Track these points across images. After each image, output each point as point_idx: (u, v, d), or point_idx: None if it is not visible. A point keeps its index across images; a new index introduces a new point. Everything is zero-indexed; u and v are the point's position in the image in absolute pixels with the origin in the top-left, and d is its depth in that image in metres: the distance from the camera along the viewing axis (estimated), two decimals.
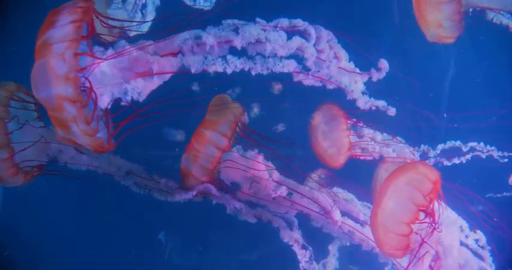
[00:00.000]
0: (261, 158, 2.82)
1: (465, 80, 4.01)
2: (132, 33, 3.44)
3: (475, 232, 3.04)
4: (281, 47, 2.40)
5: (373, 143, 3.11)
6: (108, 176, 3.31)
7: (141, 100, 2.29)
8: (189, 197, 2.82)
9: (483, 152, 3.21)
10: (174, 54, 2.32)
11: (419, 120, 3.65)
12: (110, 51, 2.20)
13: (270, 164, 2.92)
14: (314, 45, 2.55)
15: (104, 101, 2.19)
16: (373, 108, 2.96)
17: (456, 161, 3.18)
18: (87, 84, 2.07)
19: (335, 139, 3.01)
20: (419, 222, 2.34)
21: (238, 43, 2.36)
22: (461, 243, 2.94)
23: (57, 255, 4.06)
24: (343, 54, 2.73)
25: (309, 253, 3.13)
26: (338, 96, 2.93)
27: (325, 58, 2.60)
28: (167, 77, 2.37)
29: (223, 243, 4.20)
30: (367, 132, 3.17)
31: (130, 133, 3.42)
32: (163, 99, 2.50)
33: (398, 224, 2.28)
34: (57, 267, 4.13)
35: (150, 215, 4.10)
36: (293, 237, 3.05)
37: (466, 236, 2.99)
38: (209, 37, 2.30)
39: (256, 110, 2.78)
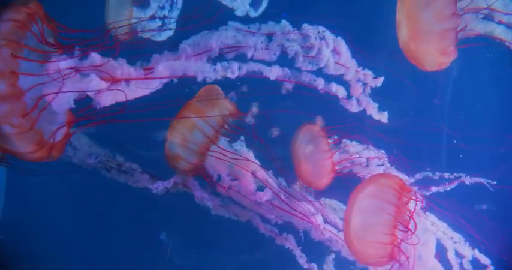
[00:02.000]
0: (250, 156, 2.78)
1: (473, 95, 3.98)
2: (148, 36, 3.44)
3: (473, 249, 3.03)
4: (261, 51, 2.34)
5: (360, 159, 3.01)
6: (110, 177, 3.32)
7: (99, 107, 2.15)
8: (158, 187, 2.79)
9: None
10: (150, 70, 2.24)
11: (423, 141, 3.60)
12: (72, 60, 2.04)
13: (257, 161, 2.89)
14: (303, 43, 2.49)
15: (61, 104, 2.01)
16: (374, 115, 2.87)
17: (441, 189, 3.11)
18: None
19: (317, 164, 2.91)
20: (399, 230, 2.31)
21: (215, 46, 2.31)
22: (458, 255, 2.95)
23: (58, 255, 4.07)
24: (343, 49, 2.64)
25: (291, 237, 3.10)
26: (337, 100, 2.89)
27: (315, 54, 2.53)
28: (142, 92, 2.25)
29: (224, 244, 4.20)
30: (354, 149, 3.06)
31: (132, 134, 3.44)
32: (164, 101, 2.49)
33: (375, 234, 2.27)
34: (58, 268, 4.13)
35: (151, 215, 4.11)
36: (267, 228, 3.03)
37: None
38: (186, 47, 2.25)
39: (255, 109, 2.75)
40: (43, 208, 4.07)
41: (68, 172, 3.22)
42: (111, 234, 4.12)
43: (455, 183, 3.02)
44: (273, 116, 3.05)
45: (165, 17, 3.48)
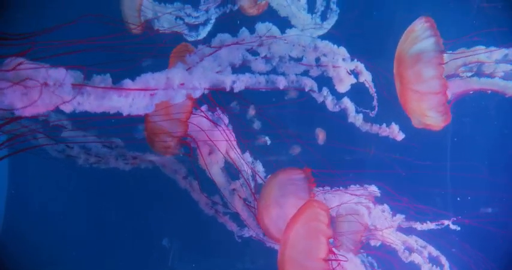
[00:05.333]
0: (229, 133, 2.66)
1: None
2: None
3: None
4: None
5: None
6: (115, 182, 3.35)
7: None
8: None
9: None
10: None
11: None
12: None
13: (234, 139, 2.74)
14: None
15: None
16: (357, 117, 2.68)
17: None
18: None
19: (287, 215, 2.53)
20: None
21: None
22: None
23: (59, 258, 4.09)
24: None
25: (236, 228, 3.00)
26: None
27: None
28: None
29: (226, 251, 4.18)
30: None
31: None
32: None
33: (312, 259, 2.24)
34: None
35: (153, 221, 4.15)
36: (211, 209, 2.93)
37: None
38: (128, 82, 1.92)
39: (252, 112, 2.77)
40: (44, 211, 4.10)
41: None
42: (112, 239, 4.14)
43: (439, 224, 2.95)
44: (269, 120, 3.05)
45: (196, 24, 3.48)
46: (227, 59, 2.28)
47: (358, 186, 2.82)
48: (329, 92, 2.52)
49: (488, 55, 2.58)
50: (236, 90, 2.19)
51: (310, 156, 3.24)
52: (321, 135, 3.15)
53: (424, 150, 3.54)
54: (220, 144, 2.64)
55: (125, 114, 1.86)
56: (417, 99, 2.50)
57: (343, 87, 2.45)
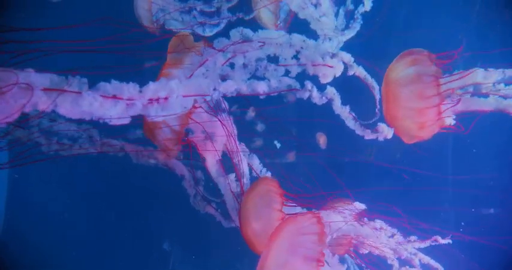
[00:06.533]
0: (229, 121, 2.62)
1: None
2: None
3: None
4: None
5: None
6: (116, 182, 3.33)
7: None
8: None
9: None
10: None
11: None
12: None
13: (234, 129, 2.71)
14: None
15: None
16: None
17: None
18: None
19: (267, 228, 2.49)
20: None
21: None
22: None
23: (59, 259, 4.07)
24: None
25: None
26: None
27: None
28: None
29: (226, 252, 4.18)
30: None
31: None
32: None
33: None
34: None
35: (153, 221, 4.14)
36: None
37: None
38: (106, 85, 1.90)
39: (252, 113, 2.76)
40: (44, 211, 4.09)
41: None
42: (112, 239, 4.13)
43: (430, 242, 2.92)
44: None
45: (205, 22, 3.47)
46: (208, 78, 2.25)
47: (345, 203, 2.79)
48: (313, 86, 2.48)
49: (486, 76, 2.54)
50: (217, 98, 2.18)
51: (310, 159, 3.23)
52: (321, 140, 3.13)
53: (426, 159, 3.52)
54: (217, 135, 2.62)
55: (98, 120, 1.83)
56: (411, 116, 2.50)
57: (326, 77, 2.43)
